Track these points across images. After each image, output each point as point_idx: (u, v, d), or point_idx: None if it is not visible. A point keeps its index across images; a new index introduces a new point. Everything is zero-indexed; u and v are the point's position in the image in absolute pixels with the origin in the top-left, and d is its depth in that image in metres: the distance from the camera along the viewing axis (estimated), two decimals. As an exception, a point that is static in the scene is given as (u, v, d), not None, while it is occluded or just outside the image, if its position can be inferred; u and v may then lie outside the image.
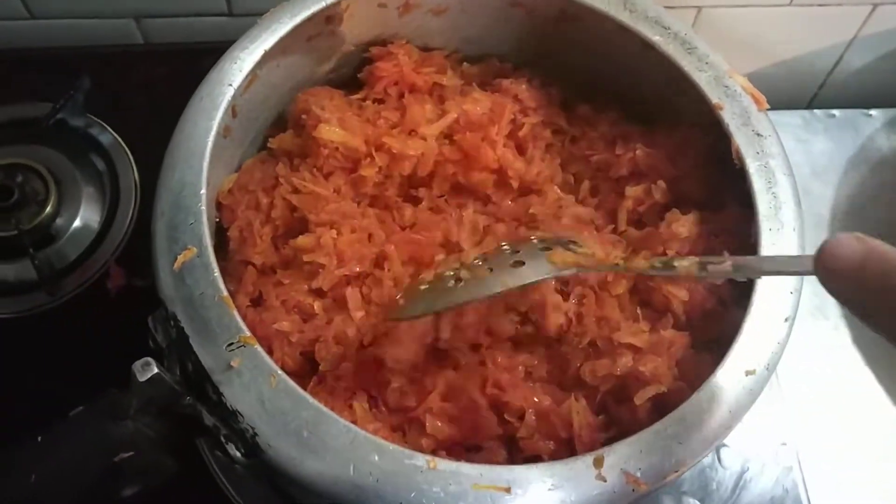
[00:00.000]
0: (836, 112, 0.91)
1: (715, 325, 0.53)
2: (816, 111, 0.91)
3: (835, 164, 0.87)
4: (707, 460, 0.66)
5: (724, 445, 0.67)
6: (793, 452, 0.67)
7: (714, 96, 0.55)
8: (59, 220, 0.71)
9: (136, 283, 0.69)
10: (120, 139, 0.76)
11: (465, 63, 0.68)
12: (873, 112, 0.91)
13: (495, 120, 0.61)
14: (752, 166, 0.52)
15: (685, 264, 0.44)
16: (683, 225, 0.55)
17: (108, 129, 0.77)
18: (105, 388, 0.44)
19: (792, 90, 0.97)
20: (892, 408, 0.74)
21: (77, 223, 0.72)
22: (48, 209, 0.70)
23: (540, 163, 0.63)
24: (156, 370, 0.41)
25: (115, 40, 0.84)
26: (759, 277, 0.49)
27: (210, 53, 0.57)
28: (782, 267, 0.44)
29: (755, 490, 0.66)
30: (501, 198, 0.62)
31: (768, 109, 0.56)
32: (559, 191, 0.63)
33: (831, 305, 0.77)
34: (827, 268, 0.35)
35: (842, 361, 0.76)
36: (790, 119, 0.90)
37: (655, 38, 0.56)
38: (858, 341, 0.77)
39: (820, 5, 0.85)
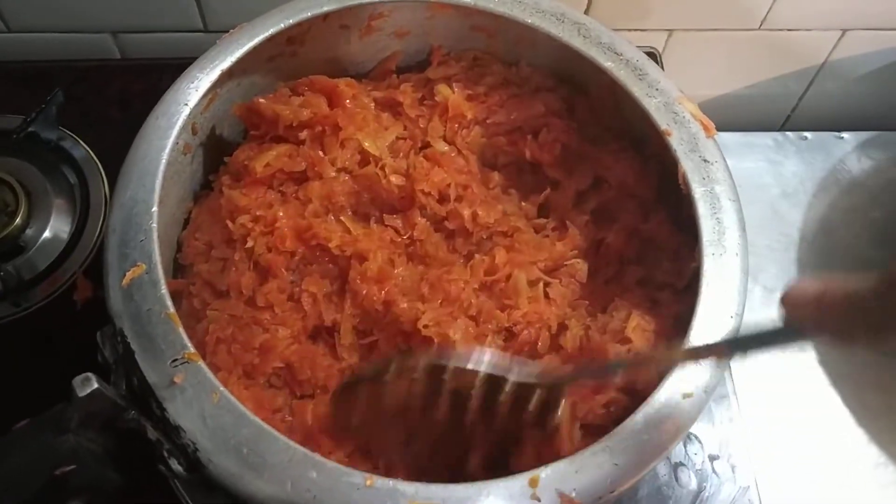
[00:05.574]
0: (808, 134, 0.91)
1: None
2: (789, 133, 0.92)
3: (806, 186, 0.88)
4: (664, 479, 0.66)
5: (682, 465, 0.67)
6: (750, 472, 0.68)
7: (663, 122, 0.55)
8: (28, 231, 0.72)
9: (103, 295, 0.70)
10: (92, 153, 0.77)
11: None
12: (845, 135, 0.91)
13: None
14: (698, 192, 0.53)
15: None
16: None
17: (81, 142, 0.77)
18: (57, 402, 0.44)
19: (765, 112, 0.97)
20: (856, 429, 0.74)
21: (46, 234, 0.72)
22: (18, 220, 0.71)
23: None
24: (96, 385, 0.41)
25: (92, 54, 0.85)
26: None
27: (185, 69, 0.57)
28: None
29: (711, 509, 0.66)
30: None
31: (717, 133, 0.57)
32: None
33: (797, 326, 0.78)
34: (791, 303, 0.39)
35: (807, 382, 0.76)
36: (762, 140, 0.91)
37: (607, 63, 0.57)
38: (824, 362, 0.77)
39: (789, 30, 0.86)
